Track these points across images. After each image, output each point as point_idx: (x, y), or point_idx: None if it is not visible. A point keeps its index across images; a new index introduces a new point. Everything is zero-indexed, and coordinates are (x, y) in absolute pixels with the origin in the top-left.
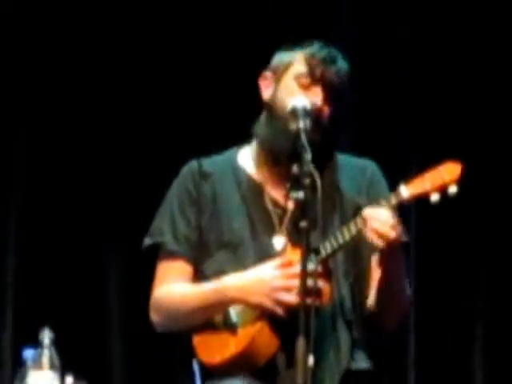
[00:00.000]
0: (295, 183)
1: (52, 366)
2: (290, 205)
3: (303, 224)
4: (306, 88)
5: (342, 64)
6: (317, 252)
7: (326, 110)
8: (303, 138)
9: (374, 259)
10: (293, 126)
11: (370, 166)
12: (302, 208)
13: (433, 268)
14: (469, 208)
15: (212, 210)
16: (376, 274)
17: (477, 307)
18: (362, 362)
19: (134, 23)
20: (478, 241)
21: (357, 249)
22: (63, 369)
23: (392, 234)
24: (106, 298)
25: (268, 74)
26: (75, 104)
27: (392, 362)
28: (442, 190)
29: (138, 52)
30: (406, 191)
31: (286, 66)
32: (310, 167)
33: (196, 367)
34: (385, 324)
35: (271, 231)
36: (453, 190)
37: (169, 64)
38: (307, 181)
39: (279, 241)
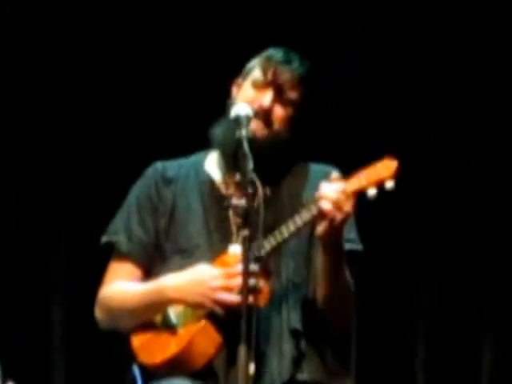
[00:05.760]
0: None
1: None
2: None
3: (245, 232)
4: (259, 90)
5: (298, 65)
6: (259, 259)
7: (279, 112)
8: (245, 146)
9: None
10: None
11: (331, 172)
12: (244, 216)
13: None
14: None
15: (171, 215)
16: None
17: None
18: (309, 373)
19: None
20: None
21: (309, 259)
22: (4, 375)
23: (345, 203)
24: (48, 304)
25: (239, 80)
26: (25, 101)
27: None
28: (379, 185)
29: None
30: None
31: (248, 72)
32: (252, 175)
33: (136, 371)
34: (331, 322)
35: (228, 239)
36: (390, 185)
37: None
38: (249, 189)
39: (235, 249)
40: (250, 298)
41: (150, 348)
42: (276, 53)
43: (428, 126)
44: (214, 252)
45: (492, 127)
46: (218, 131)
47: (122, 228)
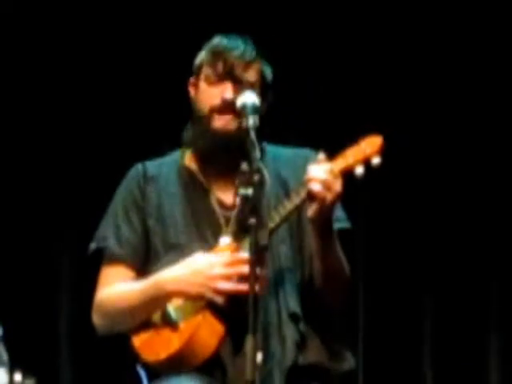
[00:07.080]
0: (243, 180)
1: (0, 362)
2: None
3: (252, 221)
4: (215, 85)
5: (245, 46)
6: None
7: None
8: (252, 135)
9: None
10: (217, 125)
11: (311, 155)
12: (251, 205)
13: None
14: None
15: (158, 213)
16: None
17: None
18: (311, 356)
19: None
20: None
21: (302, 243)
22: (12, 365)
23: (335, 182)
24: (55, 296)
25: (193, 80)
26: (14, 102)
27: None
28: (365, 162)
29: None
30: None
31: (198, 69)
32: (259, 164)
33: (141, 371)
34: (329, 302)
35: (218, 232)
36: (376, 161)
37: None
38: (256, 178)
39: (225, 241)
40: (248, 287)
41: (153, 346)
42: (219, 42)
43: (426, 117)
44: (206, 245)
45: (488, 119)
46: (189, 132)
47: (110, 233)
